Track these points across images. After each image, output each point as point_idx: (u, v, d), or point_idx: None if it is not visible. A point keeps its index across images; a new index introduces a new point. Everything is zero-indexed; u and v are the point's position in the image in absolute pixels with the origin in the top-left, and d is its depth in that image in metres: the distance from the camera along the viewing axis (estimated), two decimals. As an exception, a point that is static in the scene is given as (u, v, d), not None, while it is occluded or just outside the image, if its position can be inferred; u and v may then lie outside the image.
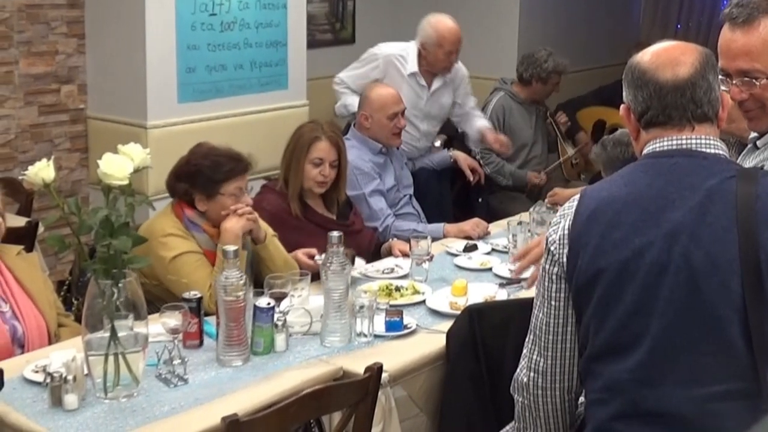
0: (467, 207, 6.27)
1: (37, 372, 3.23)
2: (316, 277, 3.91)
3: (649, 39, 2.56)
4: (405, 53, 6.36)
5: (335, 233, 3.65)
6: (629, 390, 2.42)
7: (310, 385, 3.09)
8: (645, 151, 2.52)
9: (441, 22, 6.33)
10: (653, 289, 2.37)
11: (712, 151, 2.47)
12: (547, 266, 2.56)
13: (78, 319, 3.64)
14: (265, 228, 4.28)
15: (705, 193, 2.38)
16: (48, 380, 3.07)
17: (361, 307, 3.63)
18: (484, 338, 3.56)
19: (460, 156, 6.28)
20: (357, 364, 3.33)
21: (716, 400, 2.34)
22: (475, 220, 5.22)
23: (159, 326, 3.35)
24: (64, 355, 3.10)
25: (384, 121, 5.48)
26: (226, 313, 3.39)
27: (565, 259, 2.51)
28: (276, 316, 3.52)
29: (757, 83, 2.78)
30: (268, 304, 3.50)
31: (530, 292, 3.07)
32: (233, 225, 4.03)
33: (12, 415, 3.01)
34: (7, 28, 5.97)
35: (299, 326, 3.68)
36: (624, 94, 2.57)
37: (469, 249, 4.79)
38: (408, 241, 4.57)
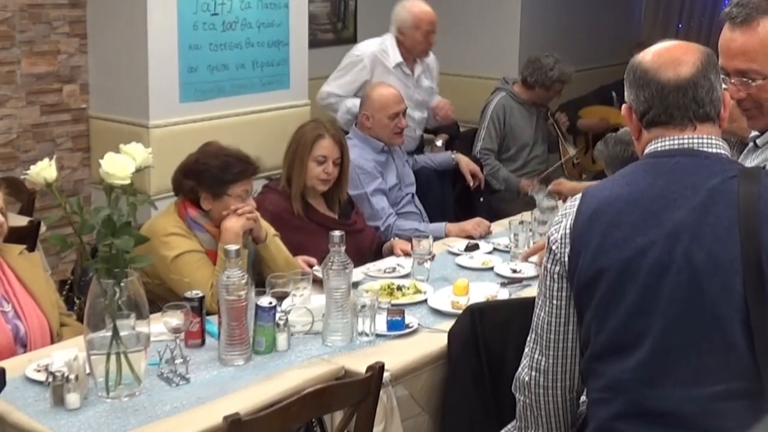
0: (469, 206, 6.27)
1: (39, 371, 3.23)
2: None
3: (651, 39, 2.56)
4: (384, 46, 6.40)
5: (337, 233, 3.65)
6: (631, 389, 2.42)
7: (311, 385, 3.10)
8: (647, 151, 2.52)
9: (415, 5, 6.41)
10: (655, 288, 2.37)
11: (714, 150, 2.47)
12: (549, 265, 2.57)
13: (80, 319, 3.65)
14: (266, 228, 4.29)
15: (707, 192, 2.38)
16: (50, 379, 3.07)
17: (363, 306, 3.63)
18: (486, 337, 3.56)
19: (463, 160, 6.28)
20: (359, 364, 3.33)
21: (718, 399, 2.34)
22: (477, 219, 5.22)
23: (161, 325, 3.35)
24: (66, 354, 3.10)
25: (385, 121, 5.48)
26: (227, 313, 3.39)
27: (566, 259, 2.51)
28: (278, 315, 3.52)
29: (753, 84, 2.79)
30: (270, 303, 3.50)
31: (532, 292, 3.08)
32: (233, 224, 4.03)
33: (14, 415, 3.02)
34: (9, 28, 5.97)
35: (301, 325, 3.68)
36: (626, 93, 2.57)
37: (471, 248, 4.79)
38: (409, 240, 4.57)
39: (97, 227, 3.03)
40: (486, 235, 5.08)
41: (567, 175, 7.09)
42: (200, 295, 3.55)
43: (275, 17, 6.52)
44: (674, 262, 2.35)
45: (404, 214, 5.51)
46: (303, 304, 3.72)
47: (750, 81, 2.79)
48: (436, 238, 4.76)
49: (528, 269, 4.43)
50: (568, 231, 2.52)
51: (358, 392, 3.06)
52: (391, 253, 4.85)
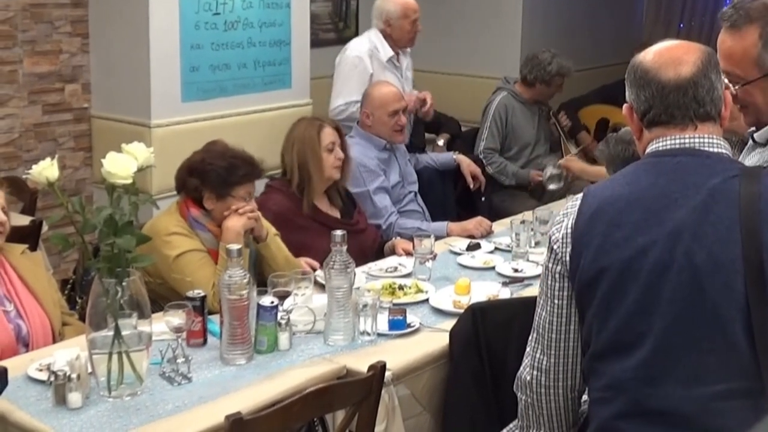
0: (470, 206, 6.27)
1: (41, 370, 3.23)
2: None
3: (652, 38, 2.56)
4: (374, 43, 6.43)
5: (339, 232, 3.65)
6: (632, 389, 2.42)
7: (313, 384, 3.10)
8: (648, 150, 2.53)
9: None
10: (656, 288, 2.37)
11: (715, 150, 2.47)
12: (550, 265, 2.57)
13: (82, 318, 3.65)
14: (267, 227, 4.29)
15: (708, 192, 2.38)
16: (52, 379, 3.07)
17: (365, 305, 3.63)
18: (488, 337, 3.56)
19: (464, 161, 6.28)
20: (360, 363, 3.34)
21: (719, 399, 2.34)
22: (479, 218, 5.22)
23: (163, 325, 3.35)
24: (68, 353, 3.10)
25: (385, 119, 5.50)
26: (229, 312, 3.40)
27: (567, 258, 2.51)
28: (279, 314, 3.53)
29: (735, 87, 2.80)
30: (272, 302, 3.50)
31: (533, 291, 3.08)
32: (234, 223, 4.04)
33: (16, 414, 3.02)
34: (11, 27, 5.98)
35: (303, 325, 3.68)
36: (627, 93, 2.57)
37: (473, 248, 4.79)
38: (411, 239, 4.58)
39: (99, 227, 3.03)
40: (487, 234, 5.09)
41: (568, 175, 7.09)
42: (202, 294, 3.55)
43: (277, 17, 6.52)
44: (675, 261, 2.35)
45: (407, 213, 5.52)
46: (305, 303, 3.72)
47: (734, 84, 2.80)
48: (437, 238, 4.76)
49: (529, 269, 4.43)
50: (569, 231, 2.52)
51: (359, 391, 3.07)
52: (393, 252, 4.86)
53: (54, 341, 3.72)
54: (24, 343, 3.67)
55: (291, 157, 4.79)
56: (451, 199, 6.33)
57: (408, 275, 4.41)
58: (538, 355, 2.62)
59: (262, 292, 3.60)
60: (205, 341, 3.56)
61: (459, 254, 4.72)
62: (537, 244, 4.72)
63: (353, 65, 6.34)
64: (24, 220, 4.85)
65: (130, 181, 3.07)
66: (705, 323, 2.34)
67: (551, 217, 4.73)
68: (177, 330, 3.33)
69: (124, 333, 3.09)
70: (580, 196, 2.57)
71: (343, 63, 6.39)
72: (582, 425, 2.66)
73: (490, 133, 6.87)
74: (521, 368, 2.70)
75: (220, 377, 3.32)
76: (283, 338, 3.53)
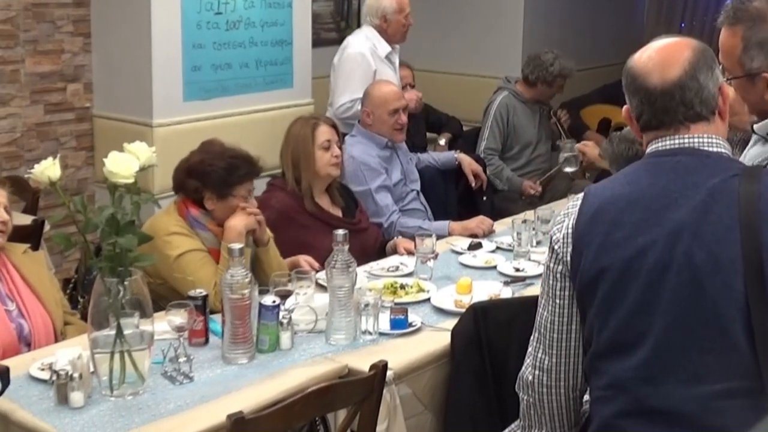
0: (472, 205, 6.27)
1: (43, 370, 3.23)
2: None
3: (653, 38, 2.57)
4: (371, 40, 6.44)
5: (340, 231, 3.65)
6: (633, 388, 2.42)
7: (315, 383, 3.09)
8: (648, 151, 2.53)
9: None
10: (656, 288, 2.37)
11: (715, 149, 2.47)
12: (551, 264, 2.57)
13: (84, 317, 3.66)
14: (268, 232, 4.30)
15: (708, 191, 2.38)
16: (54, 378, 3.07)
17: (366, 305, 3.64)
18: (489, 336, 3.57)
19: (465, 160, 6.27)
20: (362, 362, 3.34)
21: (719, 398, 2.35)
22: (480, 218, 5.23)
23: (165, 324, 3.35)
24: (70, 352, 3.11)
25: (385, 117, 5.50)
26: (231, 311, 3.40)
27: (568, 258, 2.51)
28: (281, 314, 3.53)
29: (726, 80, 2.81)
30: (274, 302, 3.50)
31: (535, 290, 3.08)
32: (237, 223, 4.04)
33: (18, 413, 3.02)
34: (13, 27, 5.98)
35: (304, 324, 3.68)
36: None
37: (474, 247, 4.80)
38: (413, 238, 4.58)
39: (101, 226, 3.04)
40: (489, 233, 5.09)
41: (570, 175, 7.08)
42: (204, 293, 3.56)
43: (279, 16, 6.53)
44: (675, 261, 2.35)
45: (409, 211, 5.53)
46: (306, 302, 3.72)
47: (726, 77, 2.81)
48: (439, 237, 4.76)
49: (531, 268, 4.44)
50: (570, 230, 2.52)
51: (361, 391, 3.07)
52: (395, 251, 4.86)
53: (56, 340, 3.72)
54: (26, 343, 3.68)
55: (287, 155, 4.80)
56: (453, 198, 6.33)
57: (410, 274, 4.42)
58: (539, 355, 2.62)
59: (263, 292, 3.60)
60: (206, 340, 3.56)
61: (460, 253, 4.73)
62: (538, 243, 4.72)
63: (356, 62, 6.33)
64: (26, 220, 4.86)
65: (131, 180, 3.08)
66: (705, 323, 2.34)
67: (552, 216, 4.74)
68: (179, 329, 3.33)
69: (126, 332, 3.10)
70: (581, 195, 2.57)
71: (346, 60, 6.38)
72: (584, 424, 2.66)
73: (491, 133, 6.88)
74: (523, 368, 2.70)
75: (222, 376, 3.32)
76: (285, 337, 3.54)
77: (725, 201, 2.36)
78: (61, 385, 3.05)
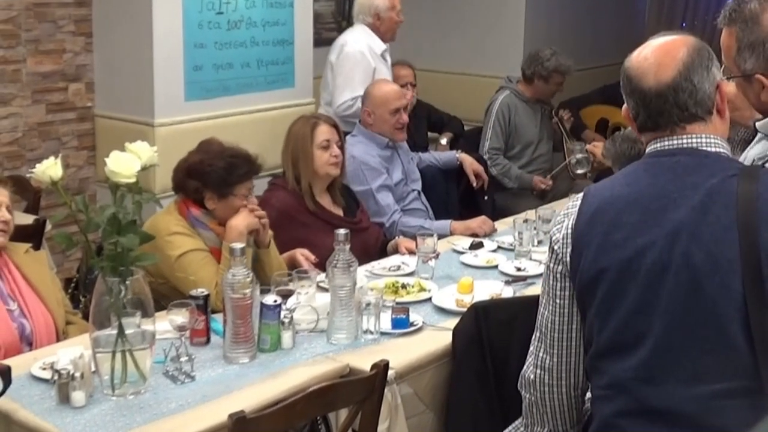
0: (473, 205, 6.27)
1: (44, 369, 3.24)
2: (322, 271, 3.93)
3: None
4: (368, 38, 6.46)
5: (342, 231, 3.66)
6: (633, 388, 2.42)
7: (316, 382, 3.10)
8: (647, 151, 2.53)
9: None
10: (655, 288, 2.37)
11: (713, 149, 2.46)
12: (552, 265, 2.57)
13: (85, 317, 3.66)
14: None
15: (706, 192, 2.38)
16: (56, 377, 3.08)
17: (368, 304, 3.64)
18: (490, 335, 3.57)
19: (466, 160, 6.28)
20: (363, 361, 3.34)
21: (718, 397, 2.35)
22: (482, 218, 5.23)
23: (166, 323, 3.36)
24: (72, 352, 3.11)
25: (386, 117, 5.50)
26: (233, 311, 3.40)
27: (568, 258, 2.52)
28: (283, 313, 3.53)
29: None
30: (275, 301, 3.51)
31: (536, 290, 3.09)
32: (238, 222, 4.04)
33: (20, 413, 3.03)
34: (15, 27, 5.99)
35: (306, 323, 3.69)
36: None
37: (475, 246, 4.80)
38: (414, 238, 4.58)
39: (103, 225, 3.04)
40: (490, 233, 5.09)
41: (572, 175, 7.09)
42: (205, 293, 3.56)
43: (280, 16, 6.53)
44: (673, 262, 2.35)
45: (410, 211, 5.53)
46: (308, 302, 3.73)
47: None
48: (440, 236, 4.77)
49: (532, 267, 4.44)
50: (569, 231, 2.52)
51: (362, 390, 3.07)
52: (396, 251, 4.86)
53: (57, 340, 3.73)
54: (27, 342, 3.68)
55: (287, 154, 4.81)
56: (454, 198, 6.33)
57: (411, 274, 4.42)
58: (541, 354, 2.63)
59: (265, 291, 3.60)
60: (208, 340, 3.57)
61: (462, 253, 4.73)
62: (540, 242, 4.72)
63: (356, 60, 6.34)
64: (28, 219, 4.86)
65: (133, 180, 3.08)
66: (704, 323, 2.34)
67: (554, 216, 4.73)
68: (180, 329, 3.34)
69: (127, 332, 3.10)
70: (580, 196, 2.57)
71: (345, 59, 6.38)
72: (586, 422, 2.67)
73: (494, 132, 6.88)
74: (525, 367, 2.70)
75: (224, 376, 3.32)
76: (286, 337, 3.54)
77: (723, 201, 2.36)
78: (62, 385, 3.06)
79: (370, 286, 4.02)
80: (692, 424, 2.36)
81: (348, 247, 3.64)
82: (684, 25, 9.85)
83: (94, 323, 3.13)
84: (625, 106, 2.57)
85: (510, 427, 2.96)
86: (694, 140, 2.46)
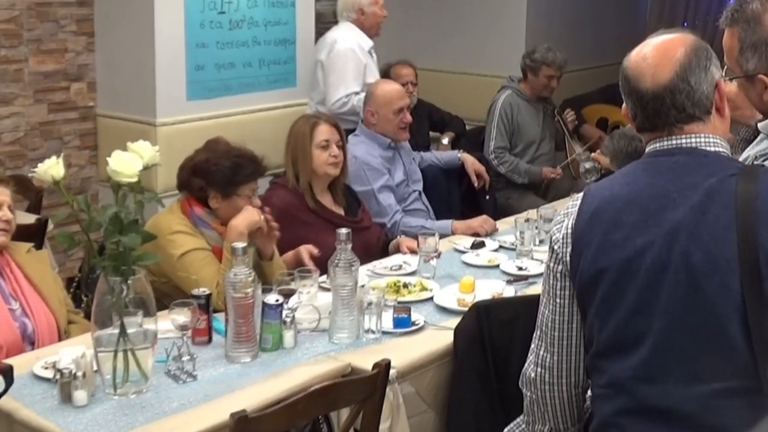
0: (475, 204, 6.28)
1: (46, 368, 3.24)
2: (323, 271, 3.93)
3: (655, 37, 2.60)
4: (355, 36, 6.45)
5: (343, 230, 3.66)
6: (632, 387, 2.43)
7: (318, 382, 3.10)
8: (647, 150, 2.53)
9: None
10: (654, 288, 2.37)
11: (712, 149, 2.46)
12: (552, 264, 2.57)
13: (87, 316, 3.66)
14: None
15: (705, 191, 2.37)
16: (58, 377, 3.08)
17: (369, 303, 3.64)
18: (492, 335, 3.57)
19: (468, 160, 6.28)
20: (365, 361, 3.35)
21: (718, 397, 2.35)
22: (484, 217, 5.23)
23: (168, 323, 3.36)
24: (74, 351, 3.11)
25: (390, 116, 5.51)
26: (234, 310, 3.40)
27: (568, 258, 2.52)
28: (284, 312, 3.53)
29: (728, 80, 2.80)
30: (277, 300, 3.51)
31: (537, 289, 3.09)
32: (238, 223, 4.03)
33: (22, 412, 3.03)
34: (17, 26, 5.99)
35: (307, 323, 3.69)
36: None
37: (477, 246, 4.80)
38: (416, 237, 4.58)
39: (105, 225, 3.04)
40: (492, 232, 5.09)
41: (573, 174, 7.10)
42: (207, 292, 3.56)
43: (282, 15, 6.53)
44: (672, 262, 2.35)
45: (412, 211, 5.53)
46: (309, 301, 3.73)
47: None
48: (442, 236, 4.77)
49: (534, 267, 4.44)
50: (569, 231, 2.53)
51: (364, 389, 3.07)
52: (398, 250, 4.86)
53: (59, 339, 3.73)
54: (29, 342, 3.68)
55: (288, 152, 4.81)
56: (456, 197, 6.34)
57: (412, 273, 4.42)
58: (541, 353, 2.63)
59: (267, 290, 3.60)
60: (210, 339, 3.57)
61: (463, 252, 4.73)
62: (541, 242, 4.72)
63: (348, 57, 6.34)
64: (29, 219, 4.86)
65: (135, 179, 3.08)
66: (703, 323, 2.34)
67: (555, 215, 4.74)
68: (182, 328, 3.34)
69: (129, 331, 3.10)
70: (580, 195, 2.57)
71: (336, 56, 6.37)
72: (587, 420, 2.67)
73: (498, 131, 6.89)
74: (526, 365, 2.70)
75: (225, 375, 3.33)
76: (288, 336, 3.54)
77: (722, 201, 2.35)
78: (64, 384, 3.06)
79: (372, 285, 4.02)
80: (691, 423, 2.36)
81: (350, 246, 3.64)
82: (685, 24, 9.84)
83: (96, 322, 3.13)
84: (624, 104, 2.57)
85: (511, 425, 2.96)
86: (693, 140, 2.46)
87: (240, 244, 3.46)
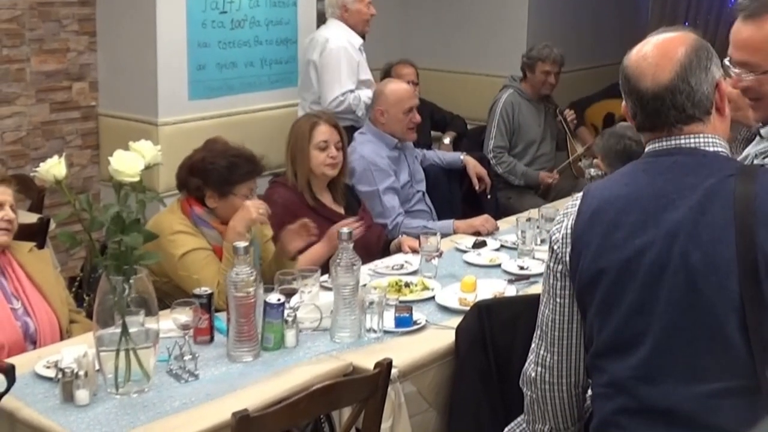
0: (476, 203, 6.27)
1: (48, 368, 3.24)
2: (324, 271, 3.93)
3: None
4: (345, 34, 6.42)
5: (345, 230, 3.66)
6: (632, 387, 2.43)
7: (320, 381, 3.10)
8: (646, 150, 2.53)
9: None
10: (653, 288, 2.37)
11: (712, 149, 2.46)
12: (552, 264, 2.58)
13: (89, 315, 3.66)
14: (267, 234, 4.30)
15: (704, 192, 2.37)
16: (59, 376, 3.08)
17: (371, 303, 3.64)
18: (493, 334, 3.57)
19: (470, 162, 6.26)
20: (367, 360, 3.35)
21: (717, 397, 2.35)
22: (485, 216, 5.23)
23: (170, 322, 3.36)
24: (76, 350, 3.12)
25: (400, 116, 5.51)
26: (236, 309, 3.40)
27: (568, 258, 2.52)
28: (286, 312, 3.53)
29: (751, 75, 2.76)
30: (279, 300, 3.51)
31: (539, 288, 3.09)
32: (236, 224, 4.03)
33: (24, 411, 3.03)
34: (19, 26, 6.00)
35: (309, 322, 3.69)
36: None
37: (478, 245, 4.80)
38: (417, 237, 4.58)
39: (107, 224, 3.05)
40: (493, 231, 5.09)
41: (575, 174, 7.10)
42: (209, 291, 3.56)
43: (284, 15, 6.54)
44: (671, 262, 2.35)
45: (415, 212, 5.53)
46: (311, 300, 3.73)
47: (749, 73, 2.77)
48: (443, 235, 4.77)
49: (535, 266, 4.44)
50: (569, 231, 2.53)
51: (366, 388, 3.08)
52: (399, 249, 4.86)
53: (61, 338, 3.73)
54: (31, 341, 3.69)
55: (288, 151, 4.82)
56: (457, 197, 6.33)
57: (414, 273, 4.42)
58: (542, 352, 2.63)
59: (268, 290, 3.60)
60: (212, 338, 3.57)
61: (465, 252, 4.73)
62: (542, 241, 4.71)
63: (341, 56, 6.28)
64: (31, 218, 4.86)
65: (137, 178, 3.08)
66: (702, 323, 2.34)
67: (556, 214, 4.74)
68: (184, 327, 3.34)
69: (131, 330, 3.10)
70: (580, 195, 2.57)
71: (329, 55, 6.31)
72: (587, 419, 2.67)
73: (498, 131, 6.89)
74: (526, 364, 2.71)
75: (227, 374, 3.33)
76: (290, 335, 3.54)
77: (721, 201, 2.35)
78: (66, 383, 3.06)
79: (374, 284, 4.02)
80: (691, 423, 2.37)
81: (351, 245, 3.64)
82: (687, 24, 9.83)
83: (98, 322, 3.14)
84: (624, 103, 2.56)
85: (512, 424, 2.96)
86: (693, 140, 2.46)
87: (242, 243, 3.46)
